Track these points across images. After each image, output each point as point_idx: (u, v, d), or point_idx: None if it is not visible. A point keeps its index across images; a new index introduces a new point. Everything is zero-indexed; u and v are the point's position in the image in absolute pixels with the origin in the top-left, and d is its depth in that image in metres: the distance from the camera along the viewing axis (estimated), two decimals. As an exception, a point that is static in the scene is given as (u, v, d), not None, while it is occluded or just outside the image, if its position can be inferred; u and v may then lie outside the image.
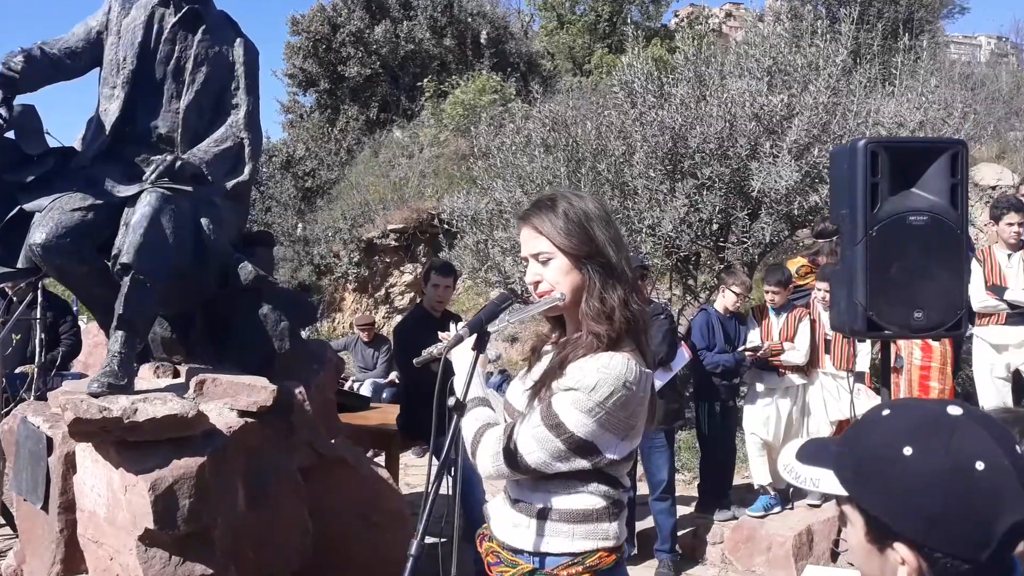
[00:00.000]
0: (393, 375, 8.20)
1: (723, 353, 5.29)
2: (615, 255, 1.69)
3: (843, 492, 1.05)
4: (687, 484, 6.26)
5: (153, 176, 3.55)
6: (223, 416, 3.34)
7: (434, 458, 1.61)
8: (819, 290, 5.34)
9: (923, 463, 0.98)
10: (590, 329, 1.65)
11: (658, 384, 4.82)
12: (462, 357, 1.80)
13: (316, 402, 3.88)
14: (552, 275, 1.70)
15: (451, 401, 1.59)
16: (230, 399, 3.42)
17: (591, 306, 1.66)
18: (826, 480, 1.07)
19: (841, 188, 2.95)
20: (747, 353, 5.28)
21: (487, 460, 1.69)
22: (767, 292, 5.41)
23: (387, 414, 5.57)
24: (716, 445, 5.41)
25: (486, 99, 13.54)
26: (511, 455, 1.66)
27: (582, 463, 1.64)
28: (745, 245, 6.50)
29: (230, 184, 3.83)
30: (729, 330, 5.42)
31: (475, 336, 1.70)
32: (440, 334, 1.76)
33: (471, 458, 1.72)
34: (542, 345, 1.90)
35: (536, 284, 1.73)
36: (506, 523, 1.74)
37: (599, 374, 1.59)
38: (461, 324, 1.72)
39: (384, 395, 8.19)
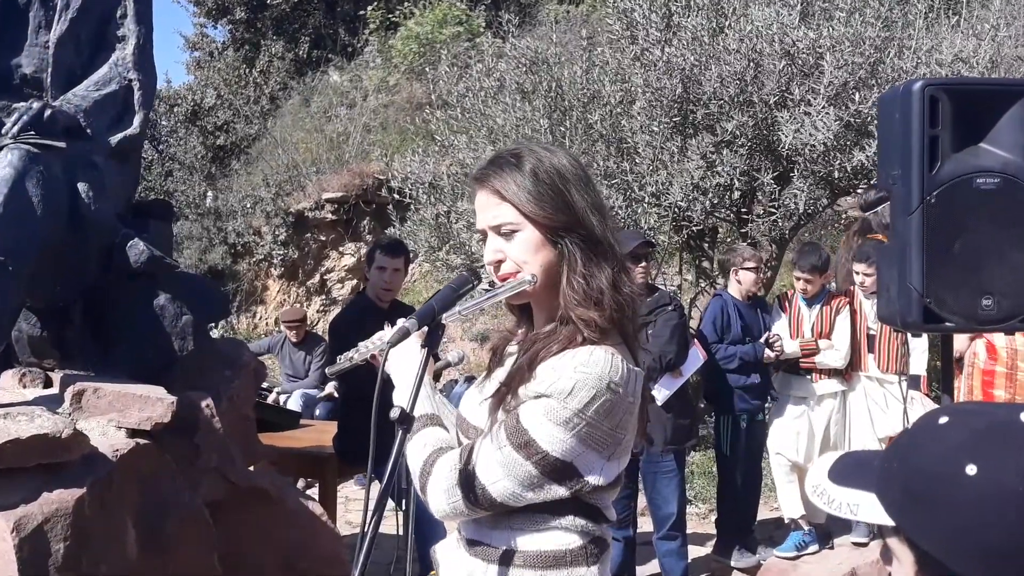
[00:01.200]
0: (330, 385, 8.17)
1: (738, 344, 5.32)
2: (599, 225, 1.70)
3: (888, 521, 1.05)
4: (701, 519, 6.30)
5: (15, 129, 3.49)
6: (108, 436, 3.30)
7: (376, 485, 1.60)
8: (859, 273, 5.38)
9: (990, 484, 0.98)
10: (578, 316, 1.65)
11: (665, 394, 4.90)
12: (407, 359, 1.78)
13: (229, 418, 3.85)
14: (518, 251, 1.70)
15: (394, 413, 1.57)
16: (117, 415, 3.38)
17: (575, 286, 1.67)
18: (867, 505, 1.07)
19: (892, 143, 2.95)
20: (772, 344, 5.31)
21: (440, 496, 1.67)
22: (798, 279, 5.45)
23: (321, 434, 5.55)
24: (737, 469, 5.45)
25: (447, 32, 13.48)
26: (470, 487, 1.64)
27: (558, 491, 1.63)
28: (773, 217, 6.53)
29: (115, 139, 3.79)
30: (749, 320, 5.47)
31: (424, 330, 1.68)
32: (380, 334, 1.75)
33: (420, 494, 1.70)
34: (505, 344, 1.89)
35: (497, 264, 1.73)
36: (460, 571, 1.73)
37: (576, 375, 1.59)
38: (404, 318, 1.70)
39: (318, 410, 8.17)
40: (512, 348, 1.89)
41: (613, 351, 1.63)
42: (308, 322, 9.31)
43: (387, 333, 1.85)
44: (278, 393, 8.48)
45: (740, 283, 5.44)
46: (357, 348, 1.92)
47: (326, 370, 1.99)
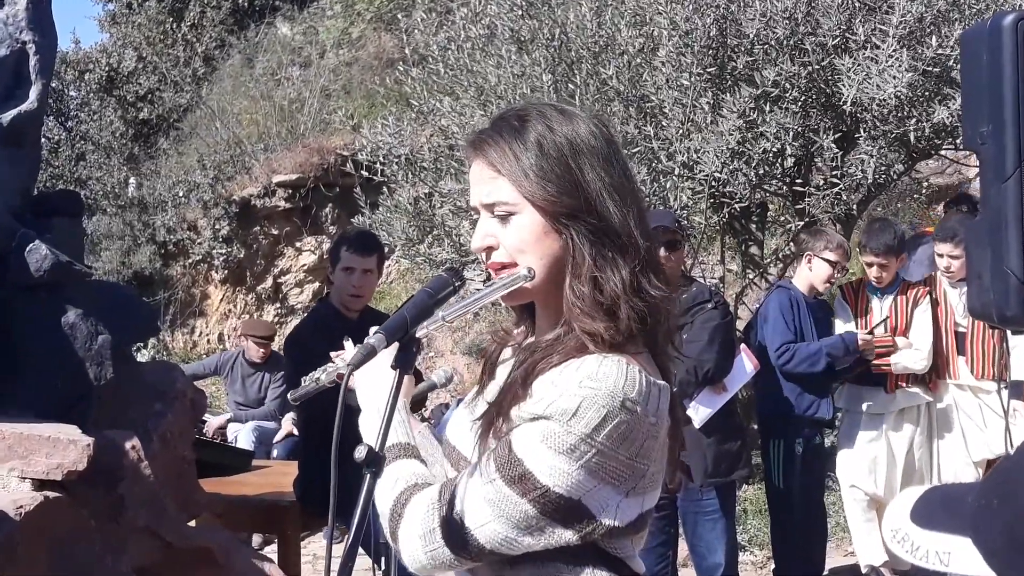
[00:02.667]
0: (287, 419, 8.17)
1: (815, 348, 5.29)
2: (618, 211, 1.70)
3: (988, 573, 1.04)
4: (759, 568, 6.30)
5: None
6: (9, 490, 3.29)
7: (341, 538, 1.60)
8: (942, 256, 5.37)
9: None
10: (581, 327, 1.66)
11: (704, 413, 4.91)
12: (374, 384, 1.79)
13: (161, 462, 3.84)
14: (514, 239, 1.72)
15: (360, 453, 1.56)
16: (19, 462, 3.37)
17: (578, 291, 1.67)
18: (960, 554, 1.07)
19: (978, 93, 2.92)
20: (863, 337, 5.29)
21: (415, 544, 1.67)
22: (870, 264, 5.45)
23: (281, 476, 5.55)
24: (794, 506, 5.45)
25: (423, -30, 13.48)
26: (453, 531, 1.64)
27: (563, 535, 1.63)
28: (836, 188, 6.53)
29: (6, 117, 3.78)
30: (821, 319, 5.49)
31: (395, 346, 1.67)
32: (341, 351, 1.74)
33: (391, 541, 1.71)
34: (499, 350, 1.91)
35: (488, 251, 1.75)
36: None
37: (582, 391, 1.59)
38: (374, 329, 1.69)
39: (275, 448, 8.16)
40: (508, 354, 1.90)
41: (629, 360, 1.64)
42: (273, 340, 9.31)
43: (351, 348, 1.85)
44: (228, 424, 8.48)
45: (811, 271, 5.43)
46: (325, 368, 1.92)
47: (289, 395, 2.01)
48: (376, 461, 1.58)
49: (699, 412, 4.88)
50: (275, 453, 8.10)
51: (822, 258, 5.37)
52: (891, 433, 5.44)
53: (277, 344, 10.72)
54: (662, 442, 1.68)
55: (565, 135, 1.71)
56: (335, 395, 1.67)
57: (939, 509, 1.12)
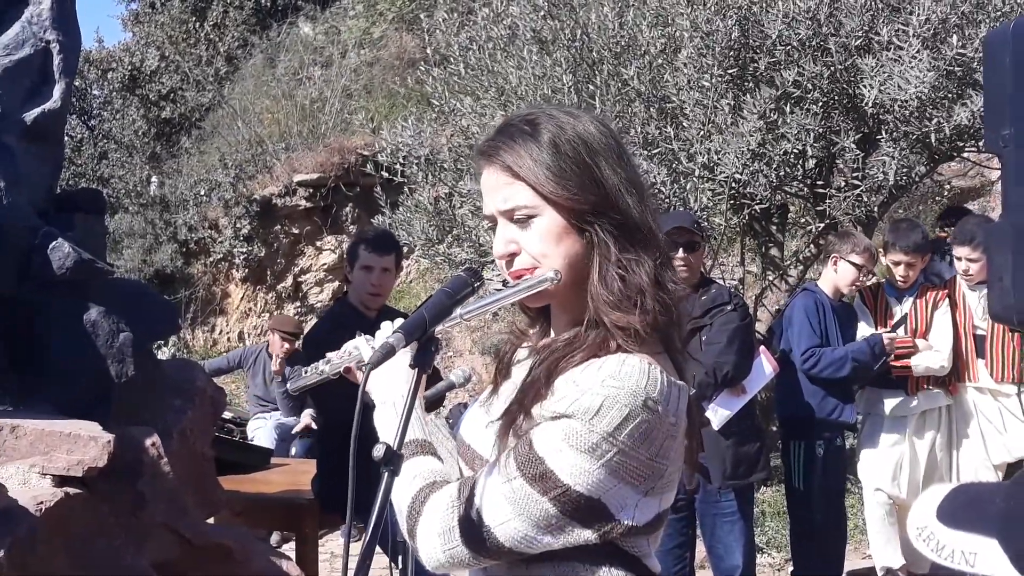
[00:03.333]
0: (306, 415, 8.18)
1: (840, 353, 5.27)
2: (636, 206, 1.72)
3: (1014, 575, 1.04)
4: (776, 570, 6.28)
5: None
6: (30, 485, 3.30)
7: (359, 537, 1.60)
8: (961, 259, 5.34)
9: None
10: (614, 321, 1.67)
11: (723, 416, 4.90)
12: (392, 383, 1.80)
13: (181, 459, 3.86)
14: (536, 242, 1.72)
15: (377, 451, 1.57)
16: (41, 458, 3.38)
17: (609, 284, 1.69)
18: (986, 554, 1.06)
19: (1001, 95, 2.92)
20: (887, 337, 5.26)
21: (433, 542, 1.67)
22: (897, 263, 5.43)
23: (298, 475, 5.56)
24: (814, 508, 5.42)
25: (444, -30, 13.49)
26: (472, 529, 1.65)
27: (583, 534, 1.64)
28: (857, 190, 6.50)
29: (31, 116, 3.80)
30: (846, 323, 5.47)
31: (414, 345, 1.69)
32: (354, 342, 1.75)
33: (408, 539, 1.71)
34: (513, 349, 1.92)
35: (510, 258, 1.75)
36: None
37: (605, 389, 1.60)
38: (390, 326, 1.70)
39: (294, 446, 8.17)
40: (522, 355, 1.90)
41: (650, 360, 1.65)
42: (299, 337, 9.34)
43: (361, 342, 1.86)
44: (253, 419, 8.49)
45: (837, 273, 5.40)
46: (328, 358, 1.92)
47: (288, 384, 2.01)
48: (394, 459, 1.59)
49: (718, 414, 4.87)
50: (294, 451, 8.11)
51: (848, 261, 5.34)
52: (913, 437, 5.41)
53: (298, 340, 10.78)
54: (680, 442, 1.69)
55: (577, 133, 1.73)
56: (353, 392, 1.68)
57: (966, 509, 1.12)
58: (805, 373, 5.27)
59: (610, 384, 1.61)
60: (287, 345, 8.46)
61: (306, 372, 2.00)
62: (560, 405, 1.62)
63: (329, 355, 1.94)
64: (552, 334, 1.84)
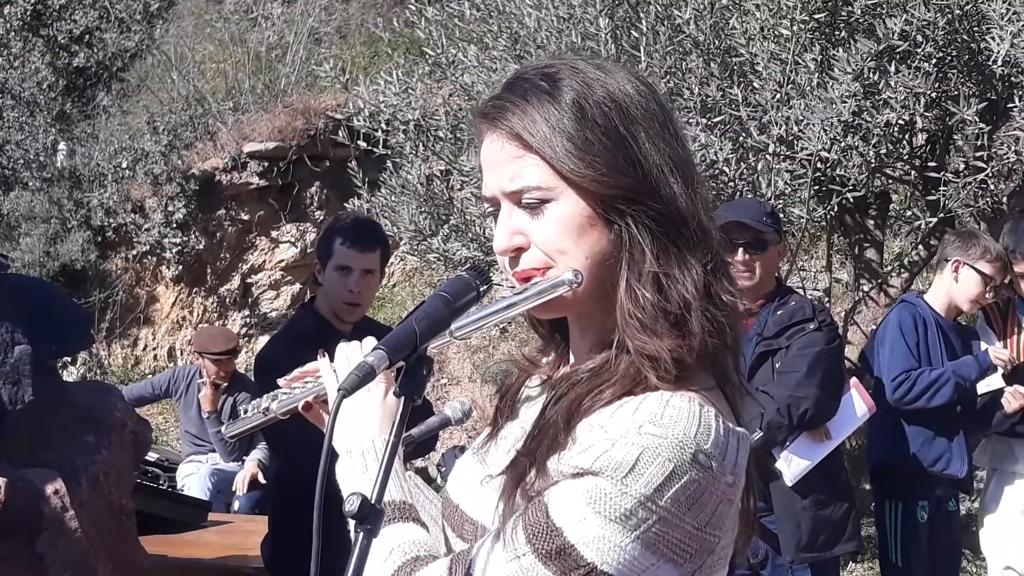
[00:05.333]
0: (252, 459, 8.16)
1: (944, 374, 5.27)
2: (684, 194, 1.70)
3: None
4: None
5: None
6: None
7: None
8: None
9: None
10: (639, 347, 1.65)
11: (800, 468, 4.88)
12: (369, 417, 1.81)
13: (93, 512, 3.87)
14: (551, 234, 1.70)
15: (350, 504, 1.57)
16: (-91, 507, 3.39)
17: (638, 297, 1.66)
18: None
19: None
20: (998, 359, 5.28)
21: None
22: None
23: (245, 536, 5.57)
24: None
25: None
26: None
27: None
28: (981, 175, 6.49)
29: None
30: (957, 346, 5.46)
31: (399, 368, 1.69)
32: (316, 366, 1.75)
33: None
34: (521, 383, 1.91)
35: (516, 253, 1.74)
36: None
37: (642, 439, 1.58)
38: (371, 341, 1.70)
39: (237, 500, 8.15)
40: (533, 390, 1.90)
41: (701, 400, 1.63)
42: (238, 355, 9.30)
43: (324, 366, 1.87)
44: (183, 464, 8.50)
45: (957, 284, 5.38)
46: (275, 394, 1.91)
47: (222, 429, 2.00)
48: (372, 516, 1.58)
49: (792, 465, 4.85)
50: (237, 505, 8.11)
51: (976, 269, 5.32)
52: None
53: (246, 362, 10.68)
54: (737, 507, 1.67)
55: (609, 92, 1.71)
56: (313, 433, 1.67)
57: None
58: (897, 404, 5.26)
59: (649, 432, 1.58)
60: (219, 364, 8.43)
61: (246, 412, 1.99)
62: (584, 458, 1.60)
63: (276, 391, 1.93)
64: (572, 360, 1.82)
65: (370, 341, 1.88)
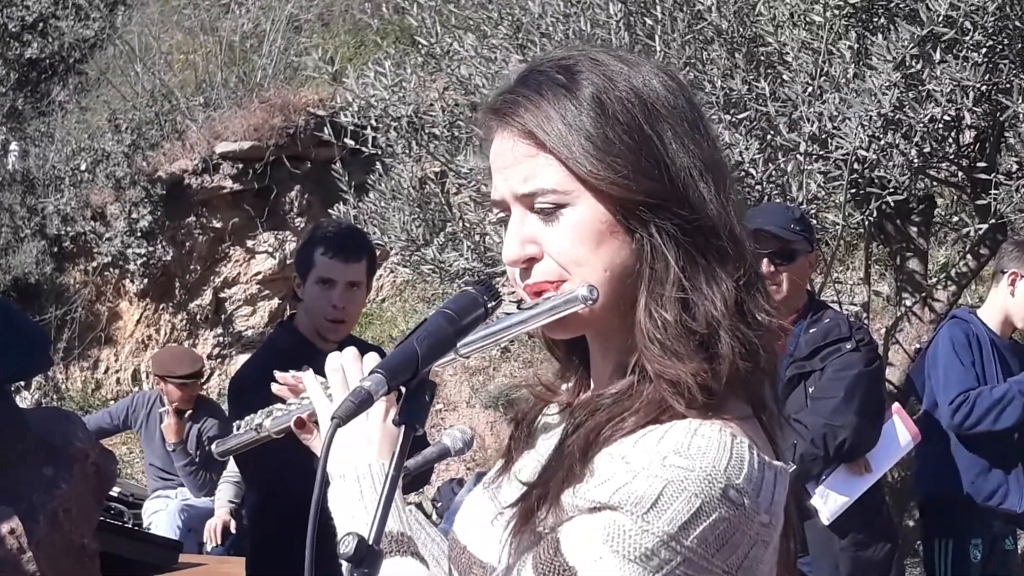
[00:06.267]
0: (223, 502, 8.13)
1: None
2: (715, 200, 1.70)
3: None
4: None
5: None
6: None
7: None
8: None
9: None
10: (659, 371, 1.64)
11: (838, 505, 4.89)
12: (366, 446, 1.81)
13: (52, 553, 3.86)
14: (567, 243, 1.70)
15: (346, 546, 1.57)
16: None
17: (658, 317, 1.66)
18: None
19: None
20: None
21: None
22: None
23: (217, 578, 5.57)
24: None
25: None
26: None
27: None
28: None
29: None
30: (1013, 366, 5.49)
31: (399, 393, 1.70)
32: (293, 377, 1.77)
33: None
34: (538, 410, 1.91)
35: (527, 264, 1.73)
36: None
37: (667, 471, 1.57)
38: (367, 361, 1.70)
39: (208, 541, 8.13)
40: (552, 417, 1.90)
41: (734, 430, 1.63)
42: (201, 378, 9.25)
43: (310, 380, 1.88)
44: (149, 499, 8.48)
45: (1014, 298, 5.40)
46: (270, 411, 1.93)
47: (213, 447, 2.01)
48: (369, 559, 1.58)
49: (829, 501, 4.86)
50: (210, 545, 8.09)
51: None
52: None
53: (219, 385, 10.67)
54: (774, 549, 1.66)
55: (634, 89, 1.70)
56: (301, 457, 1.67)
57: None
58: (956, 430, 5.26)
59: (674, 464, 1.57)
60: (183, 389, 8.38)
61: (238, 428, 2.01)
62: (602, 491, 1.59)
63: (272, 406, 1.95)
64: (593, 386, 1.82)
65: (372, 356, 1.90)
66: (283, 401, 2.10)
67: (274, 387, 2.12)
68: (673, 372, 1.63)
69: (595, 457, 1.63)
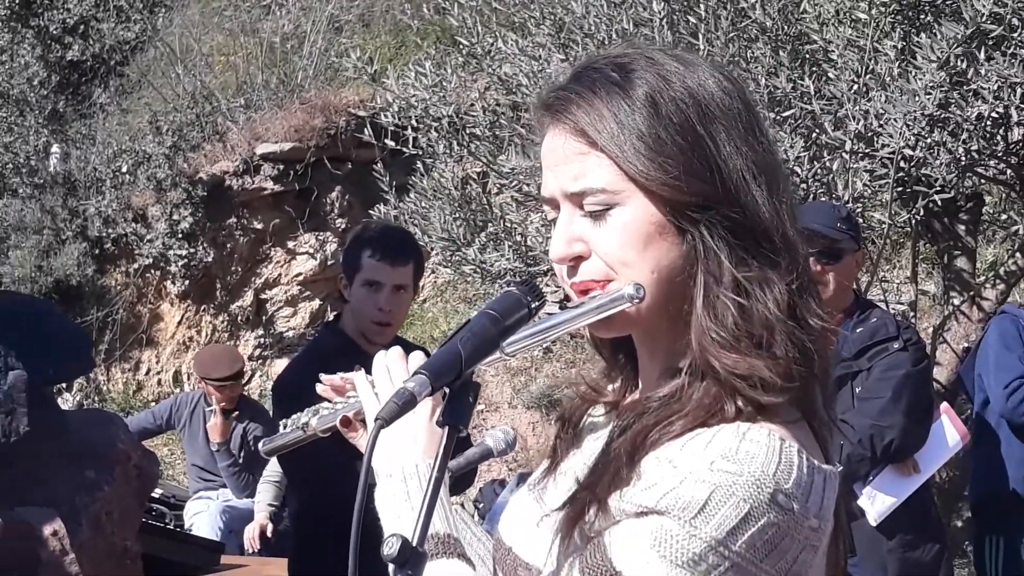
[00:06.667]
0: (263, 505, 8.12)
1: None
2: (768, 203, 1.69)
3: None
4: None
5: None
6: None
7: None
8: None
9: None
10: (729, 367, 1.63)
11: (885, 505, 4.86)
12: (409, 448, 1.81)
13: (95, 555, 3.87)
14: (615, 243, 1.69)
15: (389, 547, 1.56)
16: None
17: (720, 314, 1.65)
18: None
19: None
20: None
21: None
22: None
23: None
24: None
25: None
26: None
27: None
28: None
29: None
30: None
31: (444, 394, 1.69)
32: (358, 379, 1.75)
33: None
34: (583, 411, 1.90)
35: (575, 262, 1.73)
36: None
37: (715, 476, 1.57)
38: (412, 360, 1.69)
39: (248, 539, 8.11)
40: (599, 418, 1.89)
41: (783, 434, 1.62)
42: (243, 378, 9.25)
43: (360, 379, 1.88)
44: (193, 500, 8.49)
45: None
46: (316, 409, 1.92)
47: (259, 446, 2.01)
48: (413, 560, 1.57)
49: (877, 502, 4.83)
50: (250, 551, 8.08)
51: None
52: None
53: (260, 386, 10.68)
54: (823, 554, 1.66)
55: (689, 90, 1.70)
56: (346, 457, 1.66)
57: None
58: (1009, 415, 5.23)
59: (722, 468, 1.57)
60: (223, 390, 8.36)
61: (284, 426, 2.01)
62: (649, 496, 1.59)
63: (318, 404, 1.94)
64: (641, 387, 1.82)
65: (417, 355, 1.90)
66: (329, 401, 2.10)
67: (318, 387, 2.12)
68: (745, 366, 1.62)
69: (642, 461, 1.63)
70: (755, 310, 1.65)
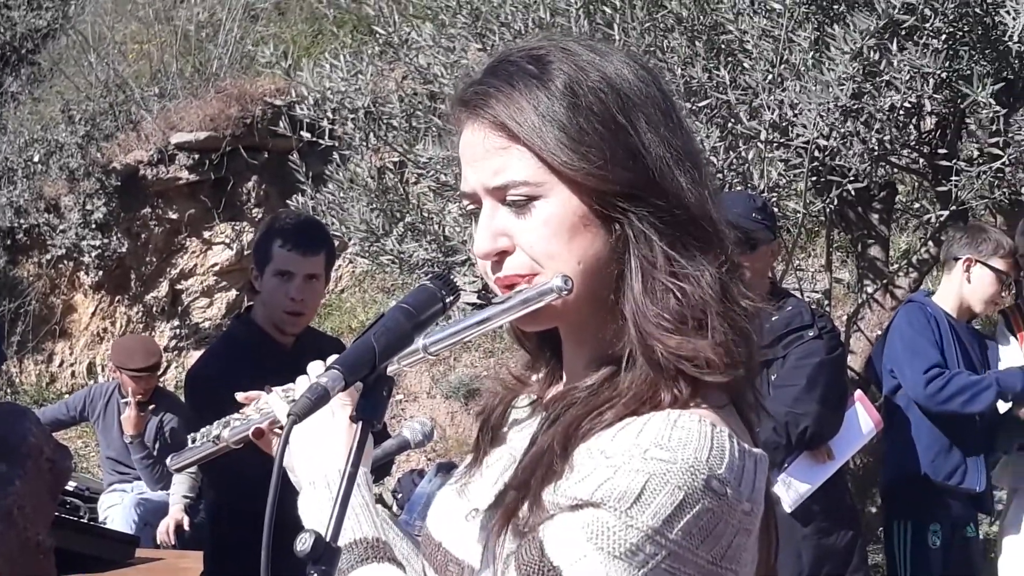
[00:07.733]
0: (177, 497, 8.07)
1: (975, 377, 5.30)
2: (692, 189, 1.70)
3: None
4: None
5: None
6: None
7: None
8: None
9: None
10: (672, 350, 1.63)
11: (800, 492, 4.91)
12: (323, 443, 1.80)
13: (6, 551, 3.85)
14: (540, 236, 1.70)
15: (302, 543, 1.56)
16: None
17: (661, 297, 1.66)
18: None
19: None
20: None
21: None
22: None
23: (176, 574, 5.53)
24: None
25: None
26: None
27: None
28: (997, 163, 6.51)
29: None
30: (971, 350, 5.50)
31: (356, 388, 1.69)
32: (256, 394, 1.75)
33: None
34: (506, 404, 1.90)
35: (499, 257, 1.73)
36: None
37: (648, 464, 1.57)
38: (323, 363, 1.69)
39: (161, 533, 8.06)
40: (521, 411, 1.89)
41: (714, 419, 1.63)
42: (159, 369, 9.17)
43: (273, 398, 1.86)
44: (105, 495, 8.43)
45: (969, 284, 5.42)
46: (227, 421, 1.91)
47: (167, 461, 1.98)
48: (327, 556, 1.56)
49: (791, 489, 4.87)
50: (163, 538, 8.01)
51: (989, 266, 5.35)
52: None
53: (175, 377, 10.62)
54: (756, 538, 1.67)
55: (606, 76, 1.71)
56: (257, 459, 1.65)
57: None
58: (925, 402, 5.26)
59: (655, 456, 1.57)
60: (138, 380, 8.25)
61: (194, 441, 1.99)
62: (583, 488, 1.59)
63: (229, 416, 1.92)
64: (566, 378, 1.82)
65: (319, 365, 1.89)
66: (240, 408, 2.08)
67: (239, 395, 2.10)
68: (690, 347, 1.63)
69: (574, 452, 1.63)
70: (693, 294, 1.66)
